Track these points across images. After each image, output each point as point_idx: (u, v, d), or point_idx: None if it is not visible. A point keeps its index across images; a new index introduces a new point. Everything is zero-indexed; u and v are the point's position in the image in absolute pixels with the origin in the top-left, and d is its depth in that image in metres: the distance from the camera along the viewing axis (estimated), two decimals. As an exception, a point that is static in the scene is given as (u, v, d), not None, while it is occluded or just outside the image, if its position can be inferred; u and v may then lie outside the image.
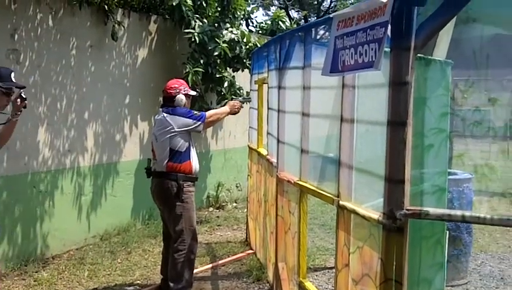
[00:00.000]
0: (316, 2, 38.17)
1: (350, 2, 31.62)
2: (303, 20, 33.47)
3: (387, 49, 3.24)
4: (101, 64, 9.51)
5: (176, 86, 6.95)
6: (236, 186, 13.34)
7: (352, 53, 3.59)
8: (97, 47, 9.38)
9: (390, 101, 3.22)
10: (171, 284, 6.75)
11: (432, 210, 3.20)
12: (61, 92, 8.71)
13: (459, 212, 3.26)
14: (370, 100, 3.95)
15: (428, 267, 4.75)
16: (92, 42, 9.27)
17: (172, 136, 6.70)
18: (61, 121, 8.75)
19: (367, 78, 3.83)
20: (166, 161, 6.72)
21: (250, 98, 8.40)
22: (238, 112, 7.44)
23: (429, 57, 4.77)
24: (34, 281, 7.56)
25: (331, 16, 4.13)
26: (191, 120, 6.78)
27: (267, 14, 34.86)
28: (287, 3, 33.17)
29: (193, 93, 7.24)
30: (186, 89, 7.01)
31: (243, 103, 7.63)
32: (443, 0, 3.14)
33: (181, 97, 6.85)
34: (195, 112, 6.92)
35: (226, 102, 8.58)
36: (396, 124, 3.18)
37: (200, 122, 6.82)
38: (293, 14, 35.72)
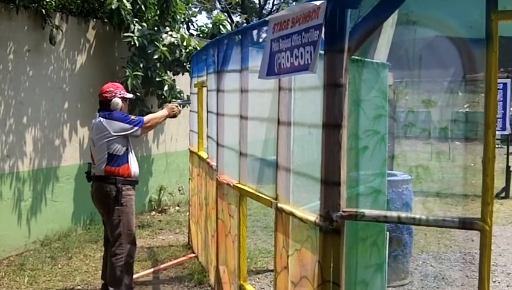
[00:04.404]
0: (258, 6, 38.27)
1: (293, 4, 31.67)
2: (245, 24, 33.49)
3: (322, 52, 3.25)
4: (39, 68, 9.38)
5: (112, 89, 6.87)
6: (179, 190, 13.30)
7: (288, 56, 3.59)
8: (35, 51, 9.25)
9: (325, 103, 3.23)
10: (111, 289, 6.70)
11: (368, 211, 3.23)
12: (-2, 97, 8.58)
13: (394, 214, 3.29)
14: (306, 103, 3.95)
15: (365, 269, 4.78)
16: (29, 46, 9.14)
17: (110, 141, 6.63)
18: (-1, 126, 8.62)
19: (303, 80, 3.84)
20: (104, 164, 6.66)
21: (189, 101, 8.36)
22: (177, 115, 7.42)
23: (365, 59, 4.79)
24: (-28, 288, 7.44)
25: (267, 18, 4.13)
26: (128, 125, 6.72)
27: (210, 18, 34.86)
28: (227, 7, 33.18)
29: (129, 96, 7.17)
30: (122, 92, 6.93)
31: (182, 106, 7.60)
32: (376, 3, 3.16)
33: (117, 101, 6.77)
34: (133, 117, 6.85)
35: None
36: (331, 126, 3.19)
37: (137, 127, 6.78)
38: (236, 17, 35.75)
